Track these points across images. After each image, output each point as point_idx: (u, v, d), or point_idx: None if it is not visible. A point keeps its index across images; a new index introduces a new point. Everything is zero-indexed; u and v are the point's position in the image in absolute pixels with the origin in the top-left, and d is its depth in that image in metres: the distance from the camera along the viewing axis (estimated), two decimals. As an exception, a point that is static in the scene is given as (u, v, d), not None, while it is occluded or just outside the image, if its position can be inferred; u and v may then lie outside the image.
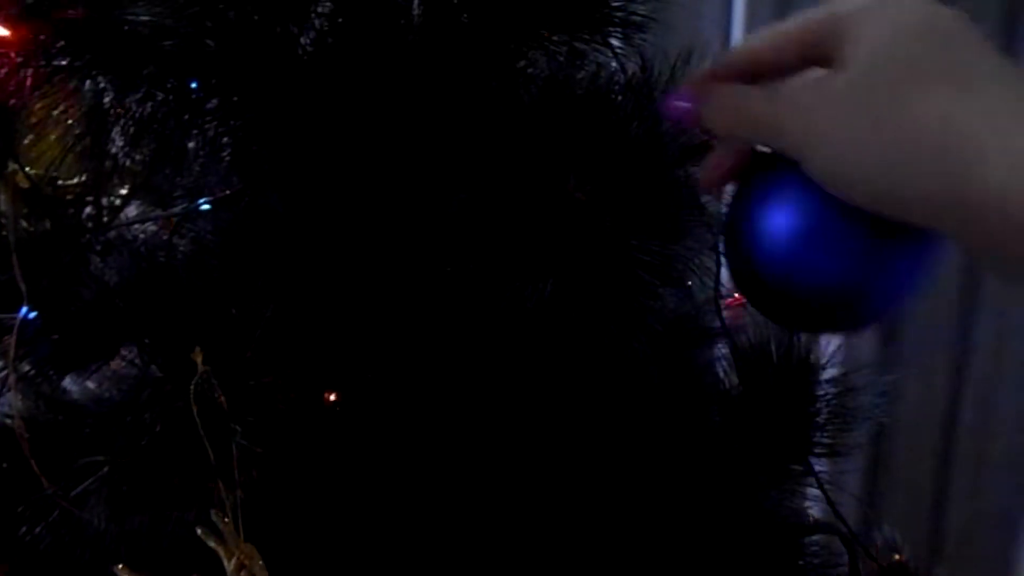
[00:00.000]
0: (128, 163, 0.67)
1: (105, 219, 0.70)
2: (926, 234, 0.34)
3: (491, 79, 0.68)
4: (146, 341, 0.43)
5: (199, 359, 0.40)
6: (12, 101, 0.44)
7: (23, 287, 0.47)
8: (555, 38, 0.68)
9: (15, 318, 0.49)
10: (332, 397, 0.45)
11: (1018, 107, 0.27)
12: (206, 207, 0.44)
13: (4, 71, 0.43)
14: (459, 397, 0.49)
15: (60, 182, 0.66)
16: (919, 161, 0.28)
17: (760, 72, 0.34)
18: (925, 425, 1.44)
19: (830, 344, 0.71)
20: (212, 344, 0.41)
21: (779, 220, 0.35)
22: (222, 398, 0.39)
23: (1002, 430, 1.40)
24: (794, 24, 0.33)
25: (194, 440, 0.41)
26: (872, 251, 0.34)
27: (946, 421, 1.43)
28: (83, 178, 0.68)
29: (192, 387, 0.40)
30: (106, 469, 0.43)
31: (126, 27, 0.45)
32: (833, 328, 0.38)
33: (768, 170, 0.35)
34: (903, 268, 0.35)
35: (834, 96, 0.30)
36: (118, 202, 0.73)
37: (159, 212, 0.46)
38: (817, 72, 0.32)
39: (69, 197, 0.68)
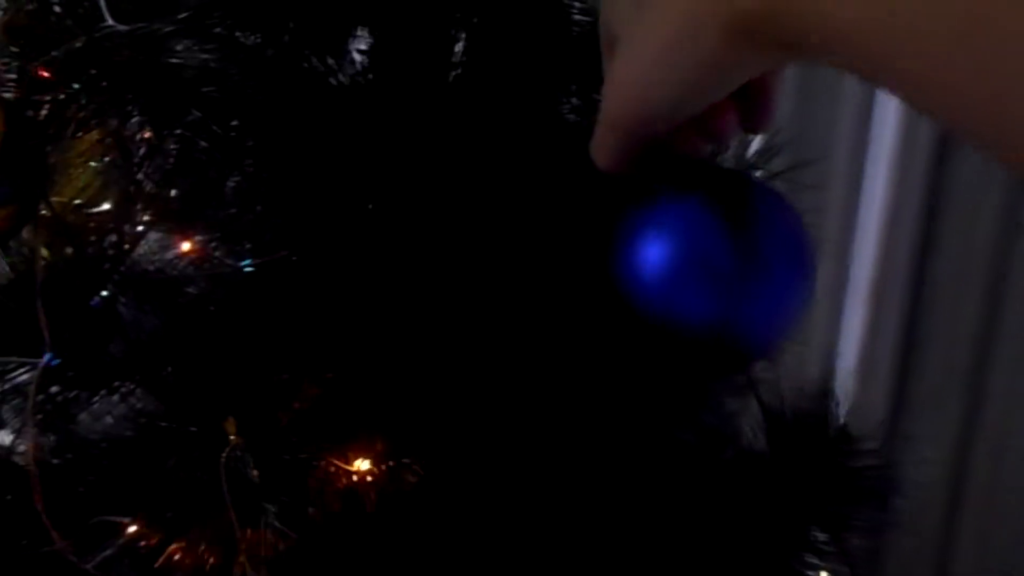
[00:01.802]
0: (151, 188, 0.65)
1: (126, 247, 0.68)
2: (791, 272, 0.34)
3: (533, 123, 0.66)
4: (175, 404, 0.41)
5: (232, 429, 0.38)
6: (50, 143, 0.42)
7: (46, 335, 0.44)
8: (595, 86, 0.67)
9: (37, 363, 0.47)
10: (365, 465, 0.43)
11: None
12: (249, 269, 0.42)
13: (44, 111, 0.41)
14: (506, 460, 0.46)
15: (84, 211, 0.64)
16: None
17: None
18: (933, 470, 1.41)
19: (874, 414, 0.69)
20: (246, 413, 0.38)
21: (647, 265, 0.35)
22: (255, 473, 0.37)
23: (1015, 479, 1.38)
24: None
25: (221, 513, 0.38)
26: (734, 291, 0.34)
27: (956, 468, 1.41)
28: (107, 206, 0.66)
29: (223, 459, 0.37)
30: (128, 532, 0.41)
31: (170, 70, 0.43)
32: (718, 366, 0.39)
33: (637, 217, 0.36)
34: (769, 305, 0.35)
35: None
36: (140, 228, 0.71)
37: (203, 268, 0.43)
38: None
39: (92, 225, 0.65)
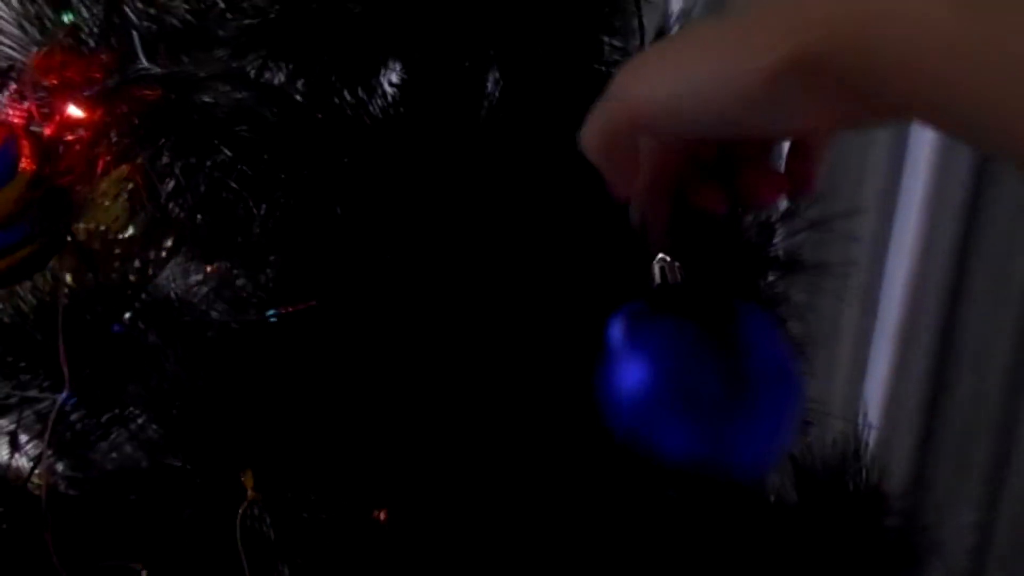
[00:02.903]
0: (178, 224, 0.64)
1: (149, 273, 0.67)
2: (778, 401, 0.32)
3: (564, 159, 0.65)
4: (194, 452, 0.40)
5: (250, 484, 0.37)
6: (81, 180, 0.41)
7: (66, 371, 0.44)
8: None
9: (55, 398, 0.46)
10: (382, 516, 0.42)
11: None
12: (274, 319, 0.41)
13: (76, 148, 0.40)
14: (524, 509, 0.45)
15: (109, 236, 0.64)
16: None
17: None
18: (961, 519, 1.38)
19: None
20: (264, 467, 0.37)
21: (626, 389, 0.33)
22: (271, 532, 0.36)
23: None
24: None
25: (236, 569, 0.37)
26: (719, 423, 0.32)
27: (984, 518, 1.37)
28: (133, 240, 0.66)
29: (240, 515, 0.36)
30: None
31: (202, 108, 0.43)
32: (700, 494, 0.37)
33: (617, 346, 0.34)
34: (755, 436, 0.32)
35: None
36: (164, 254, 0.70)
37: (232, 315, 0.42)
38: None
39: (117, 252, 0.65)
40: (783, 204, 0.65)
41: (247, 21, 0.53)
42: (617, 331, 0.34)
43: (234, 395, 0.40)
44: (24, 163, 0.39)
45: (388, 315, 0.44)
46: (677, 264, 0.35)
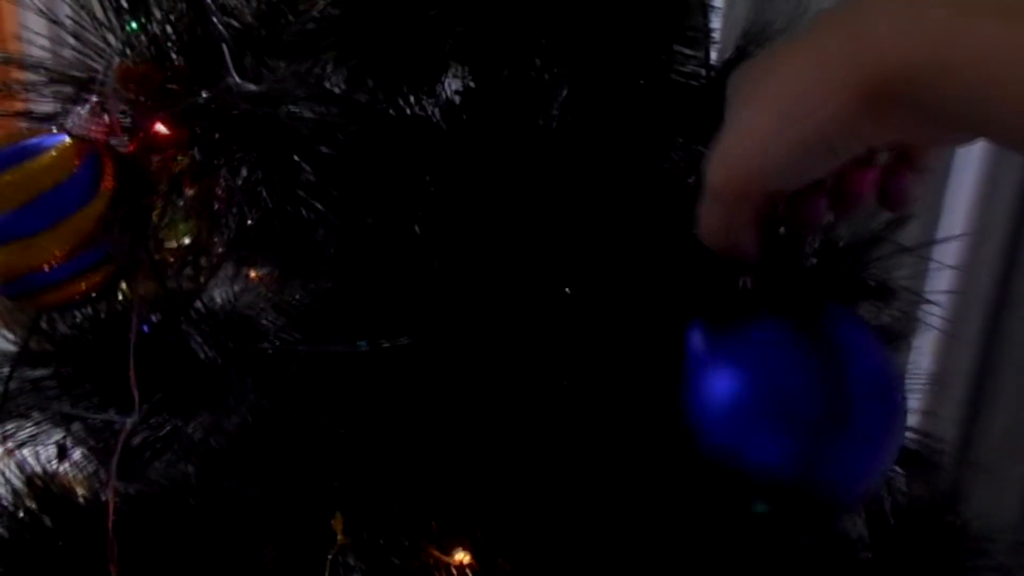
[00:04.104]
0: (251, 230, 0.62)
1: (202, 279, 0.66)
2: (880, 414, 0.30)
3: (630, 177, 0.63)
4: (275, 492, 0.38)
5: (340, 528, 0.35)
6: (162, 198, 0.39)
7: (136, 395, 0.42)
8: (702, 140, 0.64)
9: (122, 421, 0.44)
10: (467, 559, 0.40)
11: None
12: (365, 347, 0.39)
13: (158, 165, 0.38)
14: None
15: (166, 245, 0.62)
16: None
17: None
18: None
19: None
20: (353, 510, 0.35)
21: (717, 398, 0.30)
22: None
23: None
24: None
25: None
26: (817, 437, 0.29)
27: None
28: (189, 241, 0.64)
29: (328, 561, 0.34)
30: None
31: (286, 124, 0.40)
32: (793, 518, 0.34)
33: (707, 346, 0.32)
34: (856, 454, 0.30)
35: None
36: (215, 261, 0.68)
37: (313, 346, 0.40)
38: None
39: (171, 260, 0.63)
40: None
41: (311, 25, 0.51)
42: (703, 337, 0.32)
43: (320, 430, 0.37)
44: (106, 182, 0.37)
45: (477, 339, 0.42)
46: (764, 278, 0.33)
